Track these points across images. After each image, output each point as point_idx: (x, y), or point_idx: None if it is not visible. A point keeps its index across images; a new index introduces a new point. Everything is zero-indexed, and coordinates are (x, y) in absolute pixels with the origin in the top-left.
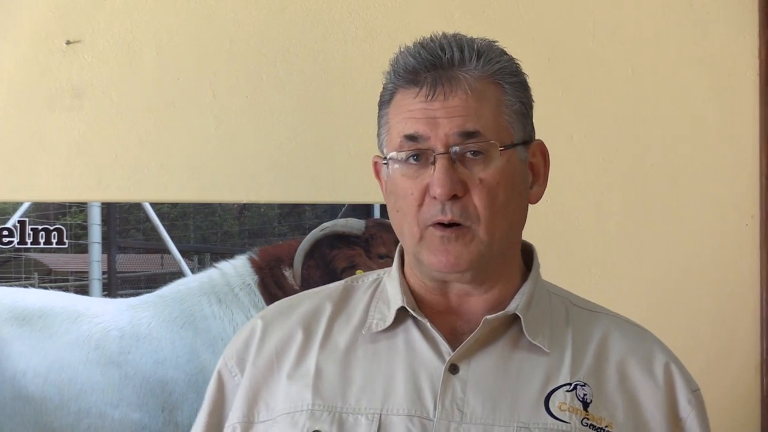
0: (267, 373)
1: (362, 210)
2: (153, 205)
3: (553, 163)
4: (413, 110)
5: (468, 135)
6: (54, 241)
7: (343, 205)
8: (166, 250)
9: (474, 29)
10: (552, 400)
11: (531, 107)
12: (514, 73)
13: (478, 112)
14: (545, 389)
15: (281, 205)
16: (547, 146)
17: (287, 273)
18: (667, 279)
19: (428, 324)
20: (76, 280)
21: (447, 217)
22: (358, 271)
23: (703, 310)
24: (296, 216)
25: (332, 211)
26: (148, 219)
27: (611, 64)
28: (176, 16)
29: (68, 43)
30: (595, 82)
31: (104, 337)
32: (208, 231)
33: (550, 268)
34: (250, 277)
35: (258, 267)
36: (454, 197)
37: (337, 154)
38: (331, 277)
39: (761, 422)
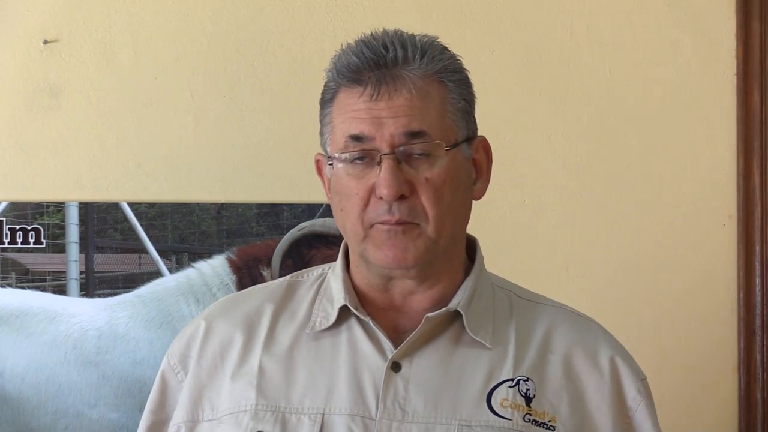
0: (211, 371)
1: None
2: (131, 204)
3: (530, 162)
4: (357, 110)
5: (413, 135)
6: (31, 240)
7: (321, 205)
8: (143, 250)
9: (451, 29)
10: (494, 396)
11: (473, 103)
12: (457, 71)
13: (423, 111)
14: (487, 385)
15: (259, 205)
16: (524, 146)
17: (265, 273)
18: (644, 279)
19: (371, 322)
20: (53, 280)
21: (394, 217)
22: None
23: (680, 310)
24: (274, 216)
25: (310, 211)
26: (125, 219)
27: (589, 64)
28: (154, 15)
29: (46, 42)
30: (573, 83)
31: (82, 337)
32: (185, 231)
33: (527, 267)
34: (228, 277)
35: (236, 267)
36: (401, 197)
37: (314, 154)
38: None
39: (738, 422)
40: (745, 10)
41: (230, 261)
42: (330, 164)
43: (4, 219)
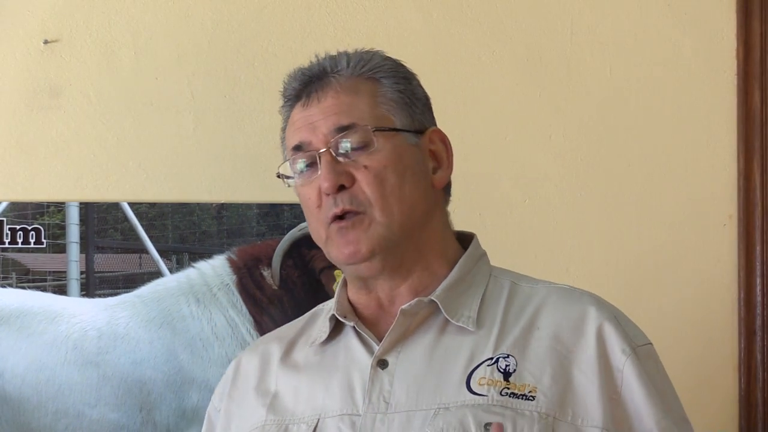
0: (240, 401)
1: None
2: (131, 204)
3: (531, 162)
4: (295, 121)
5: (343, 128)
6: (32, 240)
7: None
8: (144, 250)
9: (452, 29)
10: (473, 376)
11: (417, 98)
12: (392, 69)
13: (351, 106)
14: (468, 368)
15: (260, 205)
16: (525, 146)
17: (266, 273)
18: (644, 278)
19: (355, 326)
20: (54, 280)
21: (339, 208)
22: (336, 271)
23: (681, 309)
24: (274, 216)
25: None
26: (126, 219)
27: (589, 64)
28: (154, 15)
29: (46, 42)
30: (573, 82)
31: (82, 337)
32: (186, 231)
33: (527, 267)
34: (229, 277)
35: (236, 267)
36: (341, 188)
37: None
38: (310, 276)
39: (739, 422)
40: (746, 10)
41: (231, 261)
42: (289, 185)
43: (5, 219)
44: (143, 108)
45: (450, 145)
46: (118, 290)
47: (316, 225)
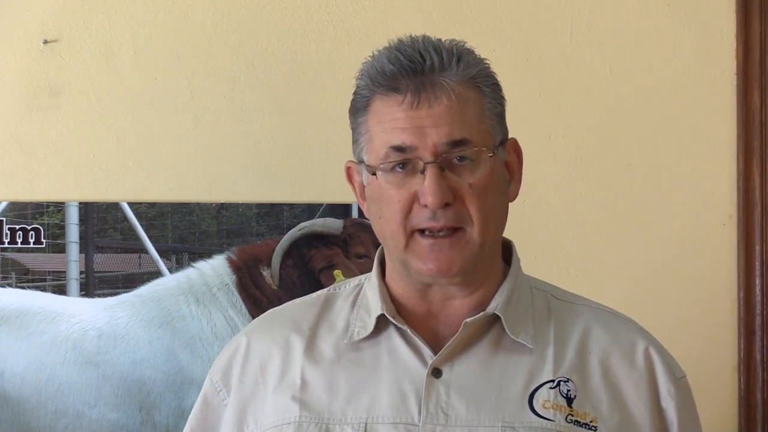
0: (253, 388)
1: (340, 210)
2: (131, 204)
3: (530, 162)
4: (397, 119)
5: (456, 143)
6: (31, 240)
7: (321, 204)
8: (143, 250)
9: (452, 29)
10: (536, 397)
11: (505, 107)
12: (490, 75)
13: (463, 118)
14: (529, 387)
15: (259, 205)
16: (524, 146)
17: (265, 273)
18: (644, 279)
19: (409, 330)
20: (53, 280)
21: (439, 224)
22: (336, 271)
23: (680, 310)
24: (274, 216)
25: (310, 210)
26: (125, 219)
27: (589, 64)
28: (154, 15)
29: (45, 42)
30: (573, 82)
31: (82, 336)
32: (185, 231)
33: (528, 267)
34: (228, 277)
35: (236, 267)
36: (445, 205)
37: (315, 154)
38: (309, 276)
39: (738, 422)
40: (745, 10)
41: (230, 261)
42: (372, 174)
43: (4, 219)
44: (143, 108)
45: (522, 156)
46: (117, 290)
47: (397, 229)
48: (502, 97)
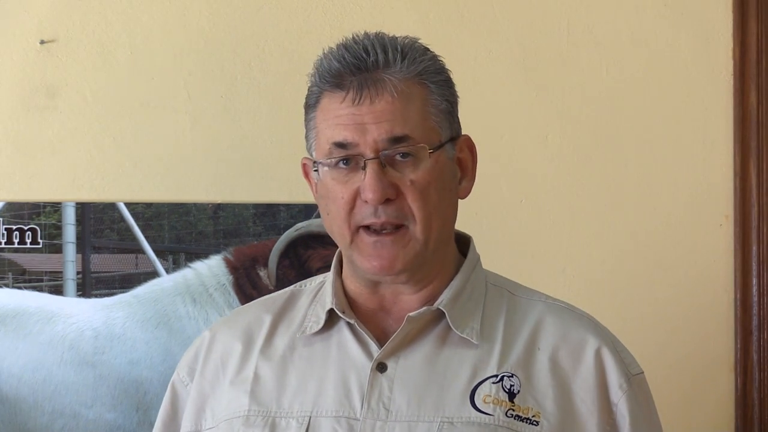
0: (213, 381)
1: None
2: (127, 205)
3: (527, 162)
4: (340, 116)
5: (397, 140)
6: (28, 240)
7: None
8: (140, 250)
9: (448, 29)
10: (478, 392)
11: (456, 104)
12: (438, 71)
13: (405, 115)
14: (472, 382)
15: (256, 205)
16: (521, 146)
17: (262, 273)
18: (641, 279)
19: (357, 324)
20: (50, 280)
21: (380, 220)
22: None
23: (677, 310)
24: (271, 216)
25: (307, 211)
26: (122, 219)
27: (586, 64)
28: (151, 15)
29: (42, 42)
30: (570, 83)
31: (78, 337)
32: (182, 231)
33: (524, 267)
34: (225, 278)
35: (233, 267)
36: (386, 201)
37: (302, 158)
38: (306, 277)
39: (735, 422)
40: (742, 10)
41: (227, 261)
42: (315, 170)
43: (1, 219)
44: (140, 108)
45: (476, 153)
46: (114, 290)
47: (342, 225)
48: (453, 94)
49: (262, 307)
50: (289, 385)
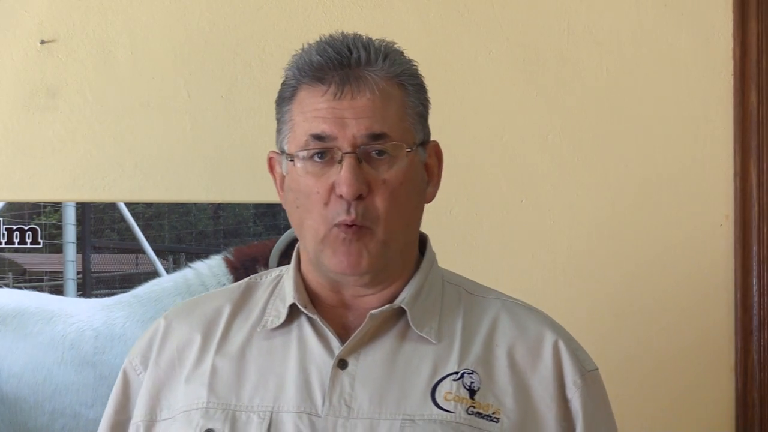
0: (169, 371)
1: None
2: (128, 204)
3: (528, 162)
4: (320, 109)
5: (375, 137)
6: (28, 240)
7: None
8: (140, 250)
9: (449, 29)
10: (438, 390)
11: (428, 109)
12: (415, 75)
13: (385, 113)
14: (433, 379)
15: (256, 205)
16: (521, 146)
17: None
18: (641, 279)
19: (319, 320)
20: (50, 280)
21: (351, 217)
22: None
23: (677, 310)
24: (271, 216)
25: None
26: (122, 219)
27: (586, 64)
28: (151, 15)
29: (43, 42)
30: (570, 82)
31: (79, 337)
32: (183, 231)
33: (524, 267)
34: (225, 278)
35: (233, 267)
36: (358, 197)
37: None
38: None
39: (735, 423)
40: (743, 10)
41: (227, 261)
42: (290, 161)
43: (1, 219)
44: (140, 108)
45: (442, 159)
46: (114, 290)
47: (316, 218)
48: (427, 100)
49: (220, 299)
50: (248, 379)
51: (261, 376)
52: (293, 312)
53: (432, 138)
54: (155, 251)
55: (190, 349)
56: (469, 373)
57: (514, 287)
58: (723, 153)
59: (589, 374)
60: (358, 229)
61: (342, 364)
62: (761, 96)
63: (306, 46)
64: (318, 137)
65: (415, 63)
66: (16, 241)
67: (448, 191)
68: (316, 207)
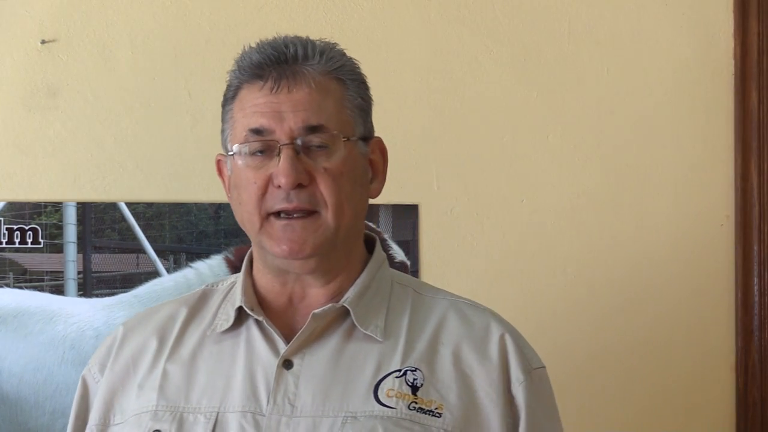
0: (123, 377)
1: None
2: (128, 204)
3: (528, 162)
4: (258, 104)
5: (312, 129)
6: (29, 240)
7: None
8: (141, 250)
9: (449, 29)
10: (381, 387)
11: (371, 105)
12: (355, 72)
13: (322, 105)
14: (376, 377)
15: None
16: (522, 146)
17: None
18: (641, 278)
19: (265, 322)
20: (51, 280)
21: (292, 204)
22: None
23: (678, 310)
24: None
25: None
26: (123, 219)
27: (586, 64)
28: (152, 15)
29: (43, 42)
30: (571, 83)
31: (79, 336)
32: (183, 231)
33: (525, 267)
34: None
35: (233, 267)
36: (299, 186)
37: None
38: None
39: (736, 422)
40: (743, 10)
41: (228, 261)
42: (231, 155)
43: (2, 219)
44: (141, 108)
45: (387, 157)
46: (115, 290)
47: (252, 210)
48: (368, 95)
49: (175, 306)
50: (197, 382)
51: (210, 379)
52: (242, 315)
53: (431, 138)
54: (156, 251)
55: (145, 355)
56: (412, 370)
57: (514, 287)
58: (724, 153)
59: (534, 371)
60: (305, 214)
61: (287, 364)
62: (762, 96)
63: (248, 47)
64: (256, 131)
65: (356, 61)
66: (17, 241)
67: (449, 191)
68: (253, 198)
